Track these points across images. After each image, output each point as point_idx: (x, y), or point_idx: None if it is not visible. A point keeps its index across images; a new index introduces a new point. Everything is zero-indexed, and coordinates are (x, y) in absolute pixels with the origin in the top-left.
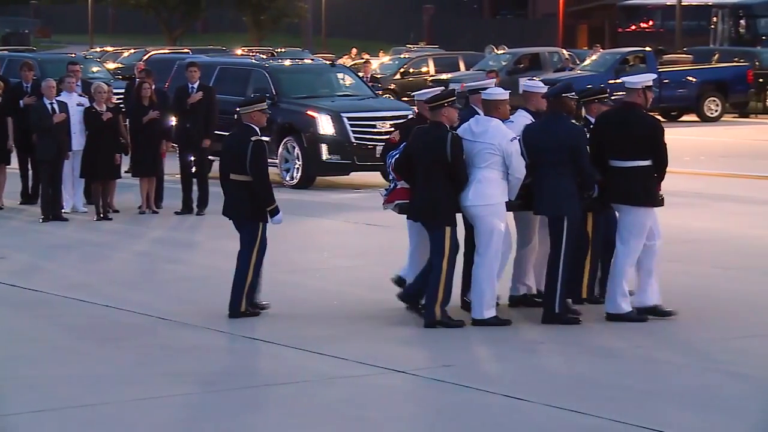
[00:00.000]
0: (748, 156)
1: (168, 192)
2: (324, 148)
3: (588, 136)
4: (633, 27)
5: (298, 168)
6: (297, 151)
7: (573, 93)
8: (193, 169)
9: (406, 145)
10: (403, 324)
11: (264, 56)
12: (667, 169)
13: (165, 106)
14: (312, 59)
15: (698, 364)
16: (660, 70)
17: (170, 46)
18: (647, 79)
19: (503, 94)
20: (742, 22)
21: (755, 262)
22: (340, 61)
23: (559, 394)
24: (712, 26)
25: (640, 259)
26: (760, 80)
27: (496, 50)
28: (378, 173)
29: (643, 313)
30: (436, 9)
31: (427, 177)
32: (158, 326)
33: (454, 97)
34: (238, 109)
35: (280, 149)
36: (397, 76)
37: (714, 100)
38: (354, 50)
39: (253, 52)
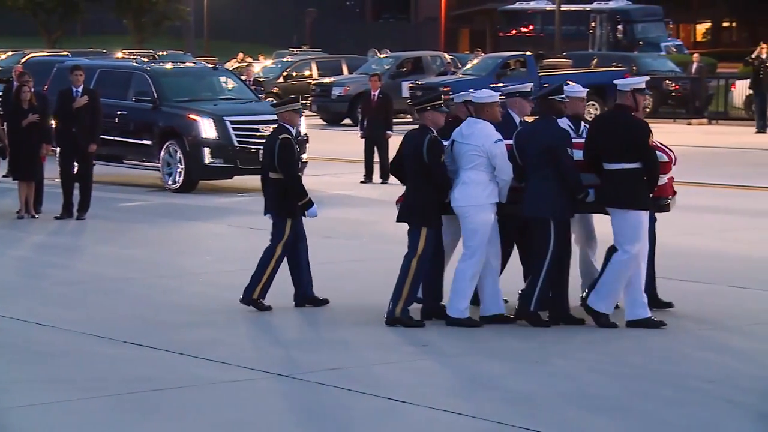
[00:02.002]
0: None
1: (47, 196)
2: (206, 151)
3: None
4: (514, 31)
5: (180, 172)
6: (179, 154)
7: (563, 95)
8: (75, 171)
9: (399, 148)
10: (288, 328)
11: (145, 59)
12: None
13: (45, 110)
14: (194, 62)
15: (586, 366)
16: (540, 74)
17: (49, 48)
18: (637, 82)
19: (492, 97)
20: (620, 27)
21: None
22: (226, 65)
23: (442, 396)
24: (591, 31)
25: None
26: None
27: (378, 54)
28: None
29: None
30: (318, 13)
31: (413, 179)
32: (36, 332)
33: (440, 101)
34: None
35: (162, 153)
36: (281, 80)
37: (593, 104)
38: (241, 54)
39: (134, 55)
